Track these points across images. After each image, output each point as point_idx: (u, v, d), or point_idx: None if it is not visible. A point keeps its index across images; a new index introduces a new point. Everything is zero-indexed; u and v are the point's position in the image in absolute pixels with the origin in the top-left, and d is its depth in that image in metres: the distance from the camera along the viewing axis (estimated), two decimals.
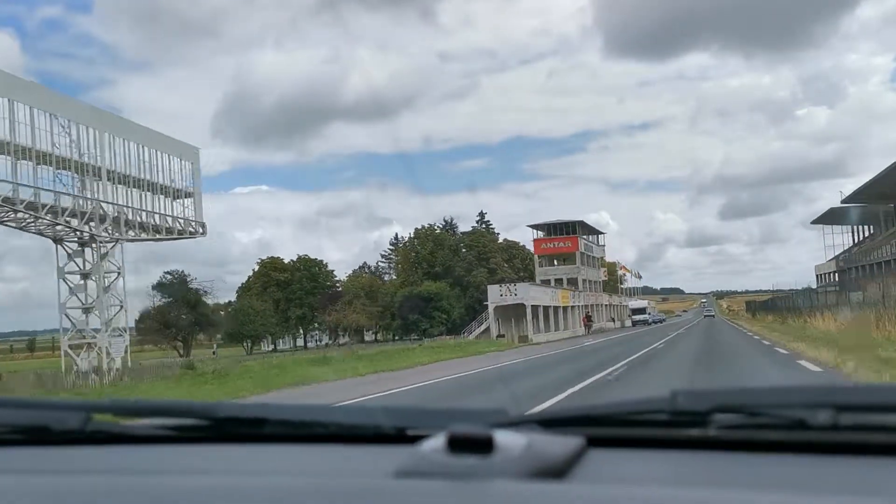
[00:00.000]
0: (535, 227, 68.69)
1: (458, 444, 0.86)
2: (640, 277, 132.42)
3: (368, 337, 73.05)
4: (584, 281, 65.83)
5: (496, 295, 42.74)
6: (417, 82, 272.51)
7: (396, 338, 67.25)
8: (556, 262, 69.81)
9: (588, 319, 55.06)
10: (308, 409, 1.14)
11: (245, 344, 68.84)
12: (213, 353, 60.04)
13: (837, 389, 0.95)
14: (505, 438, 0.86)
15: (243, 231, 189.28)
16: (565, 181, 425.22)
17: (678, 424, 0.95)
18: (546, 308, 46.98)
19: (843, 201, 62.61)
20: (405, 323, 70.14)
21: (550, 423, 0.98)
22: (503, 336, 41.73)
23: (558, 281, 63.67)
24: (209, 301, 62.21)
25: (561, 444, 0.91)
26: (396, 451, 0.91)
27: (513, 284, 44.19)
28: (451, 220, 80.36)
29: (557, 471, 0.86)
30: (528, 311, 41.63)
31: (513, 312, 41.97)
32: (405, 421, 1.04)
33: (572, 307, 55.26)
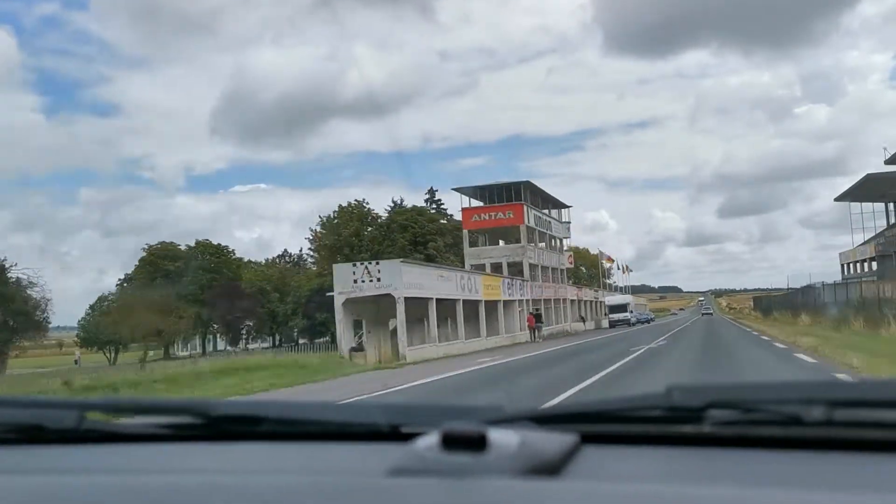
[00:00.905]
0: (463, 190, 52.11)
1: (452, 442, 0.86)
2: (629, 271, 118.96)
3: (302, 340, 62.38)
4: (534, 267, 51.08)
5: (347, 280, 23.75)
6: (416, 80, 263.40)
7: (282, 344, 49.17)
8: (500, 241, 53.09)
9: (536, 320, 41.59)
10: (303, 407, 1.19)
11: (107, 351, 50.11)
12: (76, 362, 50.31)
13: (832, 385, 1.00)
14: (498, 436, 0.87)
15: (242, 229, 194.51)
16: (564, 179, 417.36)
17: (673, 421, 0.98)
18: (454, 302, 33.01)
19: (886, 162, 43.68)
20: (312, 324, 50.92)
21: (545, 419, 1.02)
22: (359, 350, 22.98)
23: (497, 267, 48.65)
24: (36, 294, 47.94)
25: (555, 441, 0.92)
26: (391, 448, 0.94)
27: (373, 262, 25.04)
28: (401, 200, 61.33)
29: (551, 468, 0.86)
30: (400, 307, 23.33)
31: (394, 309, 23.58)
32: (400, 418, 1.09)
33: (508, 302, 36.23)
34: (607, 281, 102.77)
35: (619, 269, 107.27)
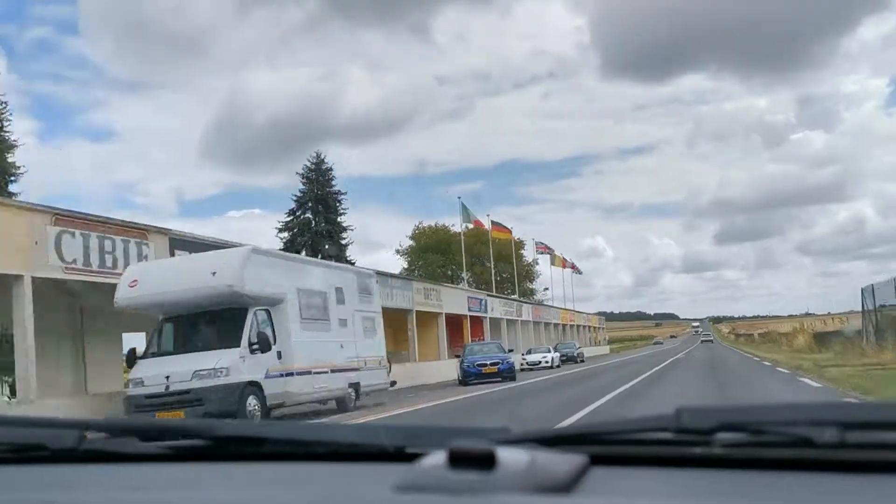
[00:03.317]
0: None
1: (460, 460, 0.83)
2: (577, 271, 71.58)
3: None
4: None
5: None
6: (411, 104, 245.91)
7: None
8: None
9: None
10: (308, 428, 1.19)
11: None
12: None
13: (844, 406, 0.97)
14: (507, 454, 0.84)
15: None
16: (559, 205, 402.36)
17: (682, 442, 0.95)
18: None
19: None
20: None
21: (553, 440, 0.98)
22: None
23: None
24: None
25: (564, 462, 0.90)
26: (397, 468, 0.91)
27: None
28: None
29: (560, 488, 0.84)
30: None
31: None
32: (406, 439, 1.06)
33: None
34: (531, 286, 63.14)
35: (558, 262, 60.07)
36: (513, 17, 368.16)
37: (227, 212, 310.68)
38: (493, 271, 49.08)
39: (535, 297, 60.34)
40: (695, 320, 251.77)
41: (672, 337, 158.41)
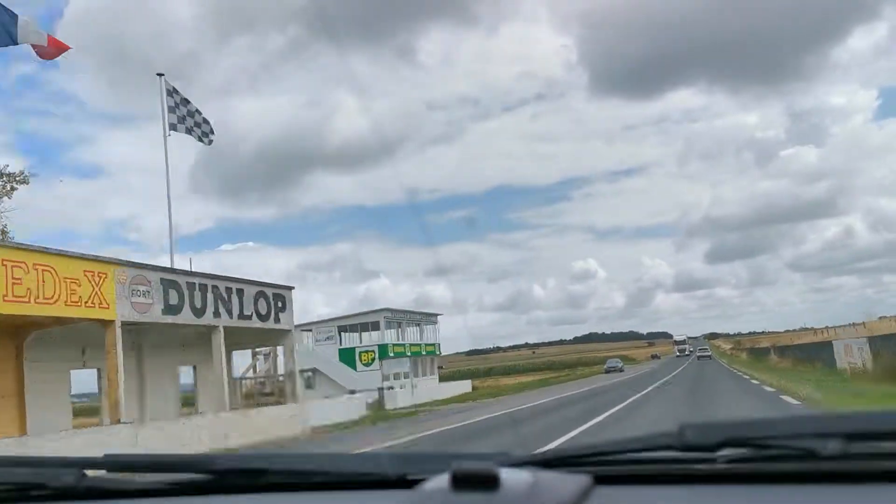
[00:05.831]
0: None
1: (463, 483, 0.83)
2: (203, 140, 21.07)
3: None
4: None
5: None
6: (401, 130, 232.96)
7: None
8: None
9: None
10: (309, 458, 1.16)
11: None
12: None
13: (847, 417, 0.97)
14: (510, 476, 0.84)
15: None
16: (552, 230, 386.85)
17: (686, 460, 0.95)
18: None
19: None
20: None
21: (556, 461, 0.99)
22: None
23: None
24: None
25: (568, 482, 0.90)
26: (400, 494, 0.91)
27: None
28: None
29: None
30: None
31: None
32: (408, 466, 1.06)
33: None
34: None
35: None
36: (499, 37, 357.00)
37: (220, 245, 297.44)
38: None
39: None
40: (691, 339, 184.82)
41: (654, 357, 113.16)
